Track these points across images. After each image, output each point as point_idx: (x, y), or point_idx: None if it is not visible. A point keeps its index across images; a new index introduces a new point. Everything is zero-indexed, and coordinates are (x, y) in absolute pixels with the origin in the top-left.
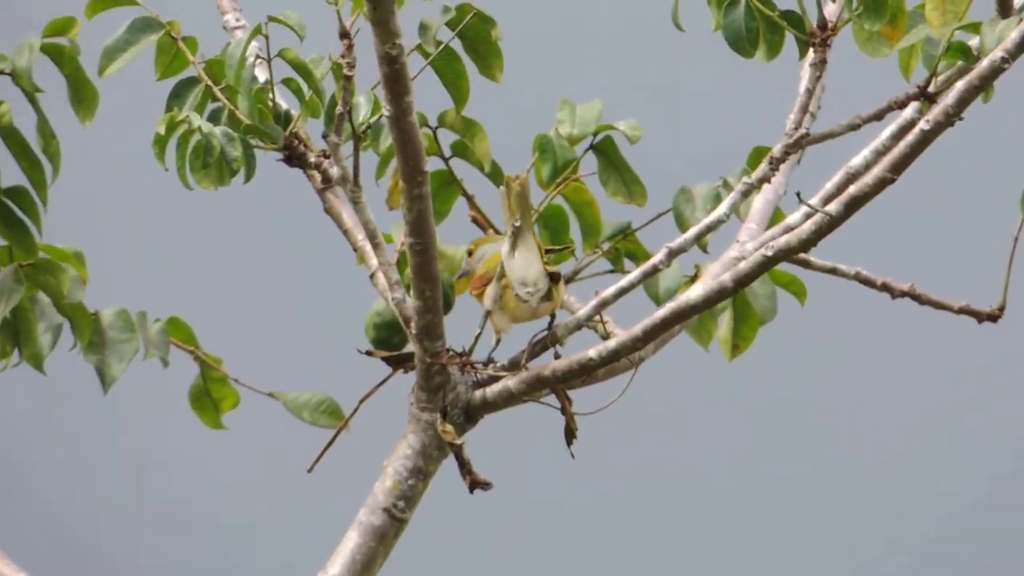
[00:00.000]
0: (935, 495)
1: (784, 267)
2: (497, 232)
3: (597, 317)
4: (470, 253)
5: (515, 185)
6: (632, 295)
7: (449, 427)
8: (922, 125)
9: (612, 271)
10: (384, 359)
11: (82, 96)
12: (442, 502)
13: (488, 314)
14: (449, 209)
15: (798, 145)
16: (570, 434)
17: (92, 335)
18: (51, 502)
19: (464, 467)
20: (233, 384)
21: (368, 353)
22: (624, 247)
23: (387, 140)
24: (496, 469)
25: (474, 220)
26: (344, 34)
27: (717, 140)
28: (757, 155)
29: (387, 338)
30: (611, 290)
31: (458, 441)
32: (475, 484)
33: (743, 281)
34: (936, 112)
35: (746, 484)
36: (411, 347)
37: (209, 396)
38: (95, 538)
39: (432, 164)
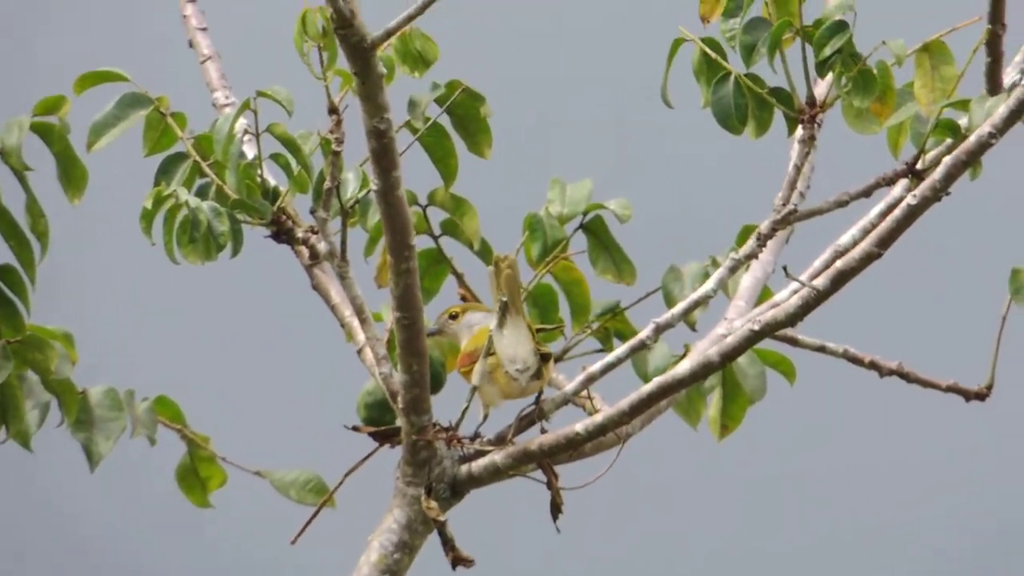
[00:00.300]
0: (922, 571)
1: (773, 346)
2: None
3: (584, 393)
4: (454, 316)
5: (504, 267)
6: (620, 373)
7: (433, 503)
8: (909, 200)
9: (601, 350)
10: (371, 434)
11: (71, 175)
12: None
13: (475, 389)
14: (438, 287)
15: (786, 221)
16: (556, 508)
17: (80, 413)
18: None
19: (447, 544)
20: (220, 463)
21: (355, 428)
22: (613, 326)
23: (375, 216)
24: (482, 543)
25: (463, 298)
26: (332, 109)
27: (707, 217)
28: (746, 233)
29: (378, 417)
30: (598, 365)
31: (442, 518)
32: (458, 561)
33: (730, 355)
34: (923, 187)
35: (733, 561)
36: (399, 422)
37: (196, 475)
38: None
39: (421, 242)
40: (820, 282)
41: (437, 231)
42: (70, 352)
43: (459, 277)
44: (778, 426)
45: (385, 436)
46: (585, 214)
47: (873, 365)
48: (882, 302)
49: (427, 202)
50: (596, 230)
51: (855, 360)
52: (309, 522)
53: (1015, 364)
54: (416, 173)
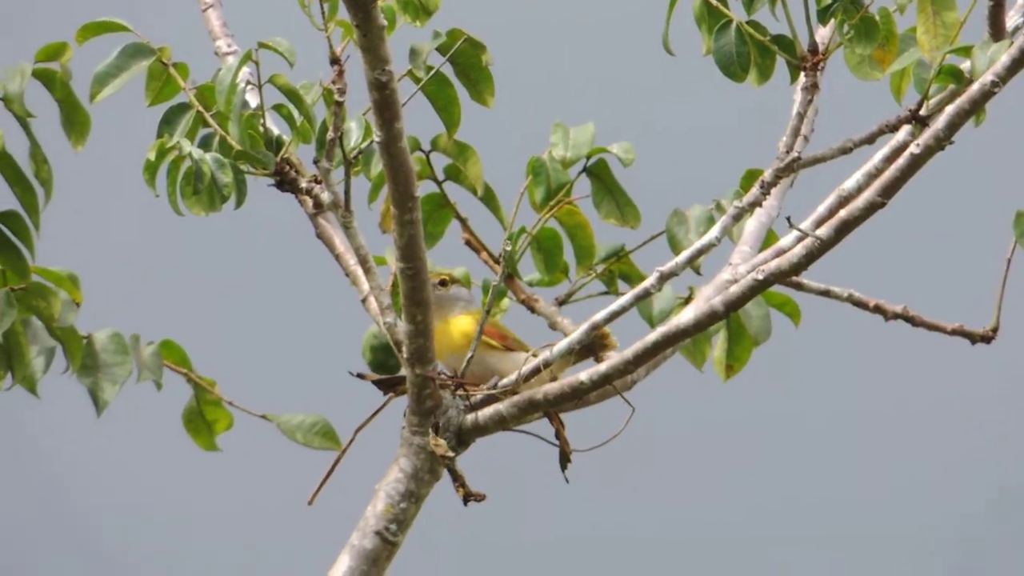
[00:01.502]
0: (925, 512)
1: (778, 288)
2: (490, 254)
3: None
4: (443, 283)
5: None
6: (624, 316)
7: (441, 441)
8: (912, 149)
9: (606, 293)
10: (376, 383)
11: (74, 121)
12: (433, 526)
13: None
14: (442, 232)
15: (789, 169)
16: (564, 458)
17: (85, 358)
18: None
19: (457, 480)
20: (227, 406)
21: (360, 376)
22: (618, 269)
23: (378, 165)
24: (488, 491)
25: (467, 243)
26: (334, 60)
27: (711, 162)
28: (750, 178)
29: (384, 360)
30: (602, 314)
31: (449, 454)
32: (468, 497)
33: (734, 305)
34: (926, 136)
35: (737, 502)
36: (404, 371)
37: (203, 418)
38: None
39: (425, 187)
40: (824, 232)
41: (441, 176)
42: (74, 294)
43: (463, 222)
44: (783, 367)
45: (390, 385)
46: (588, 158)
47: (878, 309)
48: (886, 246)
49: (430, 148)
50: (600, 174)
51: (860, 304)
52: (325, 480)
53: (1020, 306)
54: (419, 120)
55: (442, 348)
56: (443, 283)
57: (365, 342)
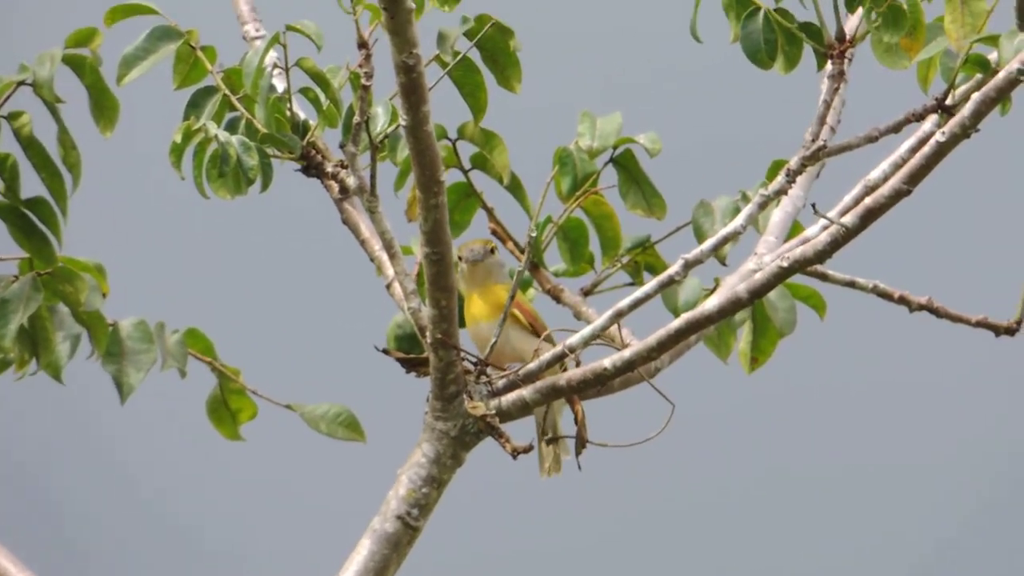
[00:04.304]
0: (949, 502)
1: (803, 280)
2: (516, 243)
3: (613, 328)
4: (492, 251)
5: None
6: (650, 306)
7: (478, 403)
8: (938, 137)
9: (631, 284)
10: (399, 361)
11: (103, 107)
12: (453, 511)
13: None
14: (468, 221)
15: (815, 157)
16: (581, 443)
17: (110, 345)
18: (55, 506)
19: (501, 437)
20: (251, 396)
21: (385, 351)
22: (643, 260)
23: (405, 151)
24: (504, 477)
25: (493, 232)
26: (362, 44)
27: (737, 152)
28: (776, 168)
29: (408, 350)
30: (627, 301)
31: (491, 413)
32: (516, 451)
33: (758, 292)
34: (952, 124)
35: (761, 489)
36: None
37: (227, 407)
38: (102, 545)
39: (451, 176)
40: (849, 219)
41: (467, 165)
42: (101, 284)
43: (489, 211)
44: (808, 360)
45: (413, 364)
46: (615, 148)
47: (903, 300)
48: (911, 237)
49: (456, 136)
50: (626, 164)
51: (885, 295)
52: None
53: None
54: (446, 107)
55: (480, 312)
56: (492, 251)
57: (390, 332)
